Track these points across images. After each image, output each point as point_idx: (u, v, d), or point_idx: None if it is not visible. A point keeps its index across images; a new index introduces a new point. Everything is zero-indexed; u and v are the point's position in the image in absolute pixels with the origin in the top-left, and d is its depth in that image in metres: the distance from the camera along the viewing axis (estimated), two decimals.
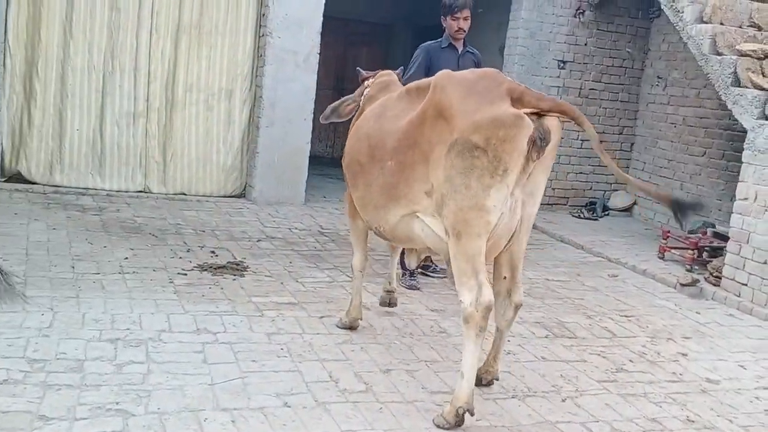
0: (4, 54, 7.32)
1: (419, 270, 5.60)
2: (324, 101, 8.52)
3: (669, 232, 7.05)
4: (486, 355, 3.81)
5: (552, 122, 3.31)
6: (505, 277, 3.64)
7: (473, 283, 3.28)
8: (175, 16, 7.82)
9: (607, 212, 9.13)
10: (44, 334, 3.84)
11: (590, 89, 9.17)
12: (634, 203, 9.21)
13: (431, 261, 5.78)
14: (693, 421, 3.65)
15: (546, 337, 4.67)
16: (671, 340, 4.83)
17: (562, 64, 9.00)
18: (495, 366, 3.80)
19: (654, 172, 9.02)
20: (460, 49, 5.62)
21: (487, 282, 3.32)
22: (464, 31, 5.51)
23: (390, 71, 4.57)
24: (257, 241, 6.40)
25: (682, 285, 6.08)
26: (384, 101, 4.04)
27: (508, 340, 4.50)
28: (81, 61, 7.58)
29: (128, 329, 4.04)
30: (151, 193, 7.89)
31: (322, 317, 4.58)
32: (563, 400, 3.73)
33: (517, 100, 3.30)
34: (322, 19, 8.03)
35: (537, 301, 5.44)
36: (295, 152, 8.12)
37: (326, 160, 11.68)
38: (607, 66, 9.20)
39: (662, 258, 6.98)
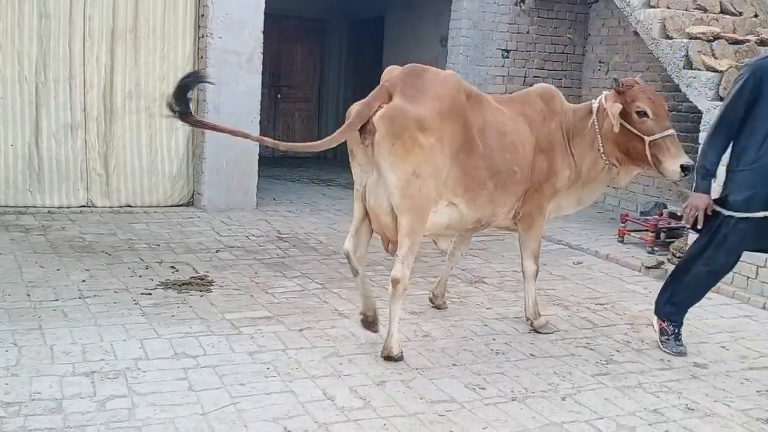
0: None
1: None
2: (261, 100, 8.33)
3: (627, 215, 7.13)
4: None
5: (376, 118, 3.78)
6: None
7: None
8: (109, 21, 7.46)
9: None
10: (13, 373, 3.56)
11: (534, 77, 9.19)
12: None
13: None
14: (693, 409, 3.65)
15: (530, 332, 4.62)
16: (650, 326, 4.85)
17: (505, 53, 9.01)
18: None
19: None
20: None
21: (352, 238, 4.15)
22: None
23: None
24: (216, 252, 6.16)
25: (648, 268, 6.15)
26: None
27: (494, 339, 4.47)
28: (11, 72, 7.15)
29: (102, 360, 3.79)
30: (95, 207, 7.53)
31: (301, 330, 4.42)
32: (563, 399, 3.68)
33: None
34: (263, 17, 7.79)
35: (511, 296, 5.40)
36: (243, 156, 7.88)
37: (269, 159, 11.39)
38: (550, 53, 9.26)
39: (621, 241, 7.05)
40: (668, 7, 6.80)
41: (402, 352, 4.02)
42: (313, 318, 4.63)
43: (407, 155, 3.76)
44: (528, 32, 9.08)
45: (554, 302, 5.28)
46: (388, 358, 3.97)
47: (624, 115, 4.22)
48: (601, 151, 4.40)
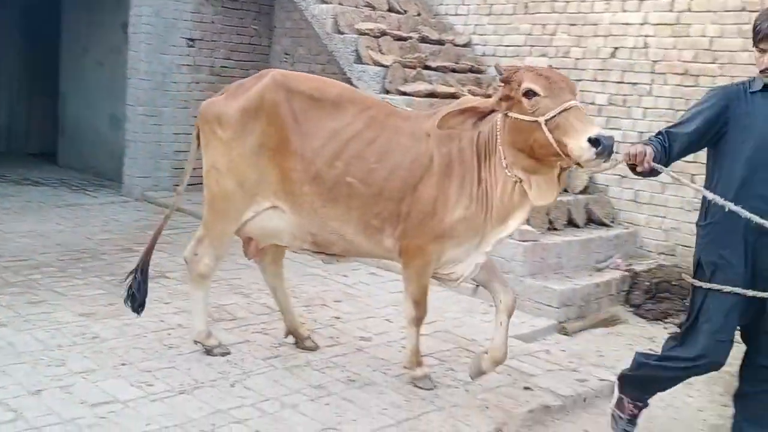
0: None
1: None
2: None
3: None
4: None
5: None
6: None
7: None
8: None
9: None
10: None
11: (222, 67, 9.14)
12: None
13: None
14: (354, 381, 3.91)
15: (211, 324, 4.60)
16: (325, 306, 5.11)
17: (191, 42, 8.84)
18: None
19: None
20: None
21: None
22: None
23: None
24: None
25: None
26: None
27: (168, 334, 4.40)
28: None
29: None
30: None
31: None
32: (232, 385, 3.73)
33: None
34: None
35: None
36: None
37: None
38: (237, 43, 9.27)
39: None
40: (340, 4, 7.15)
41: (218, 344, 4.14)
42: None
43: (207, 147, 3.97)
44: (213, 22, 8.99)
45: (235, 291, 5.33)
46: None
47: (516, 107, 3.33)
48: (505, 164, 3.46)
